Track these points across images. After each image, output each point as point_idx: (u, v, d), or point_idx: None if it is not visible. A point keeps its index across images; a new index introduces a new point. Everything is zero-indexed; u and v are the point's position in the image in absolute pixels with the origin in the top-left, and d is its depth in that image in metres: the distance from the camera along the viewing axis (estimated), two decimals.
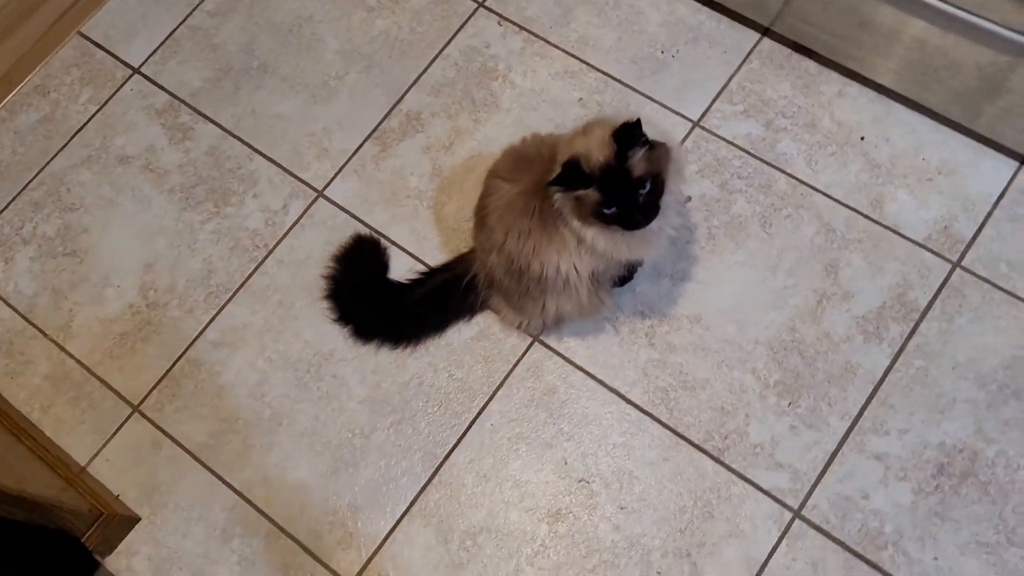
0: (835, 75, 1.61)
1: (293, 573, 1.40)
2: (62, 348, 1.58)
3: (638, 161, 1.17)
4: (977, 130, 1.50)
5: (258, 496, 1.45)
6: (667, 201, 1.25)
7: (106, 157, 1.71)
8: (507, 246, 1.29)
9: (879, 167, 1.54)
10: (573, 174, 1.16)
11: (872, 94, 1.58)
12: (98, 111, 1.75)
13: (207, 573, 1.41)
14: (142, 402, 1.53)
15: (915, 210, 1.50)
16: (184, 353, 1.55)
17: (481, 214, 1.35)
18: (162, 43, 1.79)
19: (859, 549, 1.33)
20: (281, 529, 1.43)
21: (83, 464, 1.49)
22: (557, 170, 1.16)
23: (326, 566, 1.40)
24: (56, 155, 1.72)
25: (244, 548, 1.42)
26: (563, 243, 1.26)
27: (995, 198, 1.50)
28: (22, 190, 1.69)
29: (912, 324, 1.44)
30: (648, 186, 1.19)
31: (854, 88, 1.59)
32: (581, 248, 1.27)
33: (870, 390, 1.41)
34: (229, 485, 1.46)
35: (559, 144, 1.24)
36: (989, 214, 1.49)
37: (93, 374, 1.56)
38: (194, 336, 1.56)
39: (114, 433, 1.51)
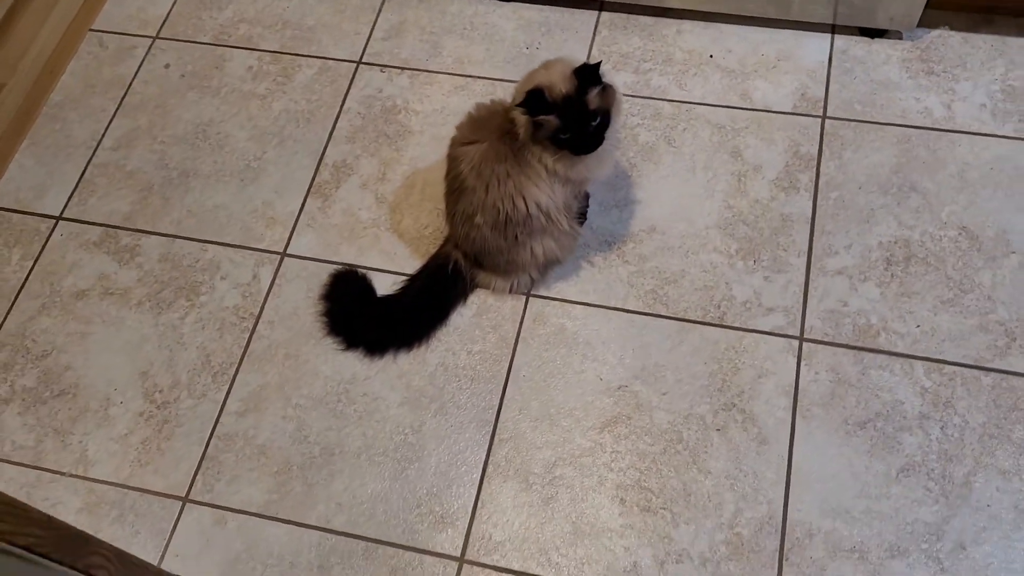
0: (668, 20, 1.93)
1: (404, 573, 1.43)
2: (86, 478, 1.55)
3: (594, 97, 1.40)
4: (793, 18, 1.85)
5: (340, 523, 1.48)
6: (615, 128, 1.47)
7: (61, 299, 1.73)
8: (490, 197, 1.46)
9: (733, 71, 1.86)
10: (538, 101, 1.36)
11: (702, 23, 1.92)
12: (35, 264, 1.77)
13: None
14: (189, 491, 1.53)
15: (775, 91, 1.82)
16: (213, 432, 1.57)
17: (456, 184, 1.51)
18: (76, 187, 1.86)
19: (861, 344, 1.55)
20: (375, 541, 1.46)
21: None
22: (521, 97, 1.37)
23: (431, 552, 1.44)
24: (7, 316, 1.72)
25: (347, 572, 1.44)
26: (538, 175, 1.44)
27: (827, 62, 1.84)
28: None
29: (815, 169, 1.72)
30: (599, 119, 1.41)
31: (687, 24, 1.92)
32: (552, 178, 1.46)
33: (808, 228, 1.67)
34: (308, 526, 1.48)
35: (516, 88, 1.44)
36: (828, 75, 1.83)
37: (128, 487, 1.54)
38: (216, 414, 1.59)
39: (173, 529, 1.49)
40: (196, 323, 1.68)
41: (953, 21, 1.85)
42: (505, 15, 1.98)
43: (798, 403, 1.51)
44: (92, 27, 2.09)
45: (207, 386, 1.62)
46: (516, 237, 1.51)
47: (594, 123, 1.40)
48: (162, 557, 1.47)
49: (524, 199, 1.45)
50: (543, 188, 1.46)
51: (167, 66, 2.01)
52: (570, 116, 1.38)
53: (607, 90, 1.41)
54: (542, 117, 1.38)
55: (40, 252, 1.79)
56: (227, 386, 1.62)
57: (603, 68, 1.40)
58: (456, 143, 1.52)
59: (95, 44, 2.06)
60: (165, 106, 1.95)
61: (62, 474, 1.56)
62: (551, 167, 1.44)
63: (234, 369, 1.63)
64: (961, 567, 1.36)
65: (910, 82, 1.80)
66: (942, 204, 1.66)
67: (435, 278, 1.63)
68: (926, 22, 1.83)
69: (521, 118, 1.40)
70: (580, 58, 1.43)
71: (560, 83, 1.38)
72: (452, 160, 1.52)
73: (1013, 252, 1.60)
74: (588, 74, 1.38)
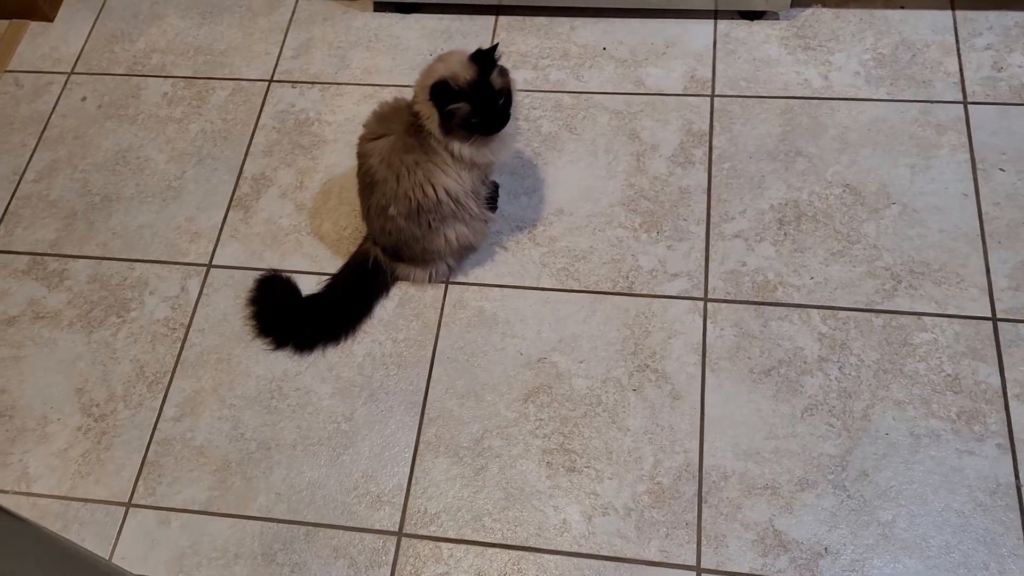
0: (562, 18, 2.05)
1: (345, 551, 1.48)
2: (28, 494, 1.58)
3: (496, 78, 1.49)
4: (676, 7, 1.98)
5: (280, 511, 1.53)
6: (513, 113, 1.57)
7: None
8: (401, 187, 1.54)
9: (626, 61, 1.97)
10: (445, 92, 1.45)
11: (593, 19, 2.03)
12: None
13: None
14: (132, 496, 1.56)
15: (666, 76, 1.94)
16: (151, 439, 1.62)
17: (368, 178, 1.58)
18: (0, 220, 1.90)
19: (761, 299, 1.65)
20: (316, 524, 1.51)
21: None
22: (426, 93, 1.45)
23: (370, 530, 1.50)
24: None
25: (290, 557, 1.49)
26: (444, 162, 1.53)
27: (711, 46, 1.97)
28: None
29: (707, 144, 1.84)
30: (504, 98, 1.50)
31: (579, 20, 2.04)
32: (458, 164, 1.54)
33: (705, 197, 1.77)
34: (249, 517, 1.53)
35: (417, 84, 1.52)
36: (714, 57, 1.95)
37: (71, 499, 1.57)
38: (154, 421, 1.63)
39: (118, 534, 1.53)
40: (128, 338, 1.73)
41: None
42: (408, 26, 2.08)
43: (707, 358, 1.60)
44: (7, 69, 2.14)
45: (143, 396, 1.66)
46: (429, 224, 1.59)
47: (501, 101, 1.49)
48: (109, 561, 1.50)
49: (433, 186, 1.54)
50: (450, 174, 1.54)
51: (84, 99, 2.06)
52: (479, 99, 1.47)
53: (504, 71, 1.51)
54: (453, 106, 1.46)
55: None
56: (162, 394, 1.66)
57: (499, 53, 1.49)
58: (365, 139, 1.59)
59: (11, 84, 2.11)
60: (84, 136, 2.00)
61: (4, 492, 1.58)
62: (457, 153, 1.52)
63: (168, 377, 1.68)
64: (866, 492, 1.46)
65: (789, 57, 1.93)
66: (826, 165, 1.78)
67: (356, 274, 1.71)
68: (799, 2, 1.97)
69: (429, 111, 1.48)
70: (469, 49, 1.52)
71: (462, 72, 1.47)
72: (362, 156, 1.60)
73: (893, 203, 1.73)
74: (485, 58, 1.47)
